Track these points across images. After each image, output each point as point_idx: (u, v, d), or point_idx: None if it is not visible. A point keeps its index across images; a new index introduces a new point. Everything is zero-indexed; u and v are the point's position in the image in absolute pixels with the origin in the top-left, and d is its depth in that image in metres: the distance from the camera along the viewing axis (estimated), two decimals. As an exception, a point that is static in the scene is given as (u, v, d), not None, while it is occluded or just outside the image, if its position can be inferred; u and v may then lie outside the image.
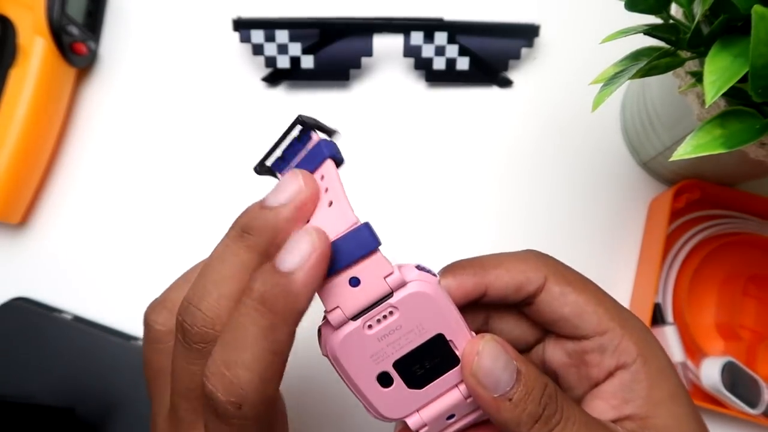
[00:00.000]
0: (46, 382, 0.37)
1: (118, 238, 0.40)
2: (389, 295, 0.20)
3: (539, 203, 0.40)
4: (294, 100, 0.42)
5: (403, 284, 0.20)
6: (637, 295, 0.38)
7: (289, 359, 0.20)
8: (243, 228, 0.21)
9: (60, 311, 0.38)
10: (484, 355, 0.21)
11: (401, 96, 0.42)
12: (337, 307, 0.20)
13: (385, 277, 0.20)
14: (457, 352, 0.21)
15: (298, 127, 0.23)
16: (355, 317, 0.20)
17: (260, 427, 0.20)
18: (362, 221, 0.20)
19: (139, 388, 0.36)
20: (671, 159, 0.24)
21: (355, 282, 0.20)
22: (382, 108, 0.42)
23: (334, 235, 0.20)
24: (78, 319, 0.38)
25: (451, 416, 0.22)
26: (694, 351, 0.36)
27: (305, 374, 0.37)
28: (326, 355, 0.21)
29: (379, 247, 0.20)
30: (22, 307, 0.38)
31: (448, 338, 0.21)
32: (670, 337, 0.35)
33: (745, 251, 0.37)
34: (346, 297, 0.20)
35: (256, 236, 0.21)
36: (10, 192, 0.38)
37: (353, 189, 0.42)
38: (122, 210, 0.40)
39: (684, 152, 0.23)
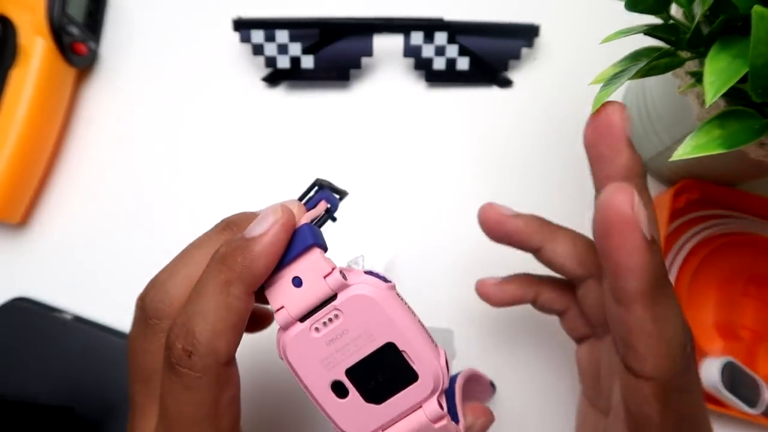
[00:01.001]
0: (46, 381, 0.37)
1: (118, 238, 0.40)
2: (334, 297, 0.20)
3: (539, 203, 0.40)
4: (294, 101, 0.42)
5: (345, 287, 0.20)
6: (637, 295, 0.38)
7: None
8: (227, 222, 0.23)
9: (60, 311, 0.38)
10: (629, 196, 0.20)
11: (401, 96, 0.42)
12: (282, 307, 0.21)
13: (324, 277, 0.20)
14: (414, 367, 0.20)
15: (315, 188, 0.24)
16: (303, 319, 0.21)
17: (207, 384, 0.20)
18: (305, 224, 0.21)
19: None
20: (671, 159, 0.24)
21: (298, 282, 0.20)
22: (382, 108, 0.42)
23: None
24: (78, 319, 0.38)
25: None
26: (694, 351, 0.36)
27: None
28: (282, 359, 0.21)
29: (319, 249, 0.21)
30: (23, 307, 0.38)
31: (400, 348, 0.20)
32: (669, 337, 0.35)
33: (745, 251, 0.37)
34: (290, 297, 0.21)
35: (237, 230, 0.22)
36: (10, 192, 0.38)
37: (353, 189, 0.42)
38: (122, 210, 0.40)
39: (683, 152, 0.23)
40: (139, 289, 0.40)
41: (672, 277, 0.36)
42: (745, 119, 0.23)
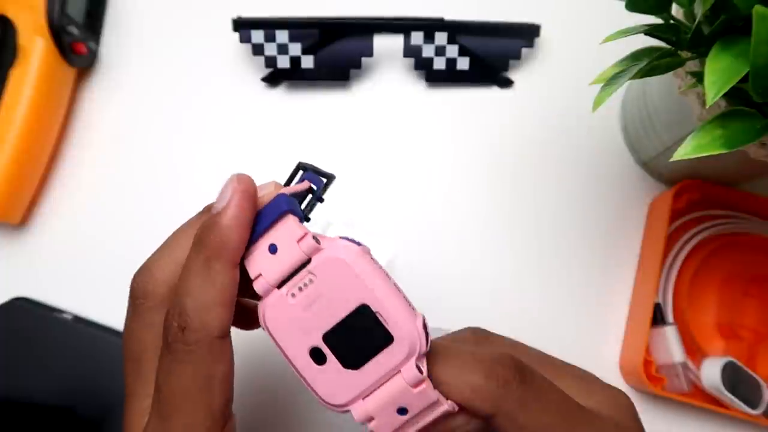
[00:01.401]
0: (46, 381, 0.36)
1: (118, 238, 0.40)
2: (308, 261, 0.21)
3: (539, 203, 0.40)
4: (294, 101, 0.42)
5: (318, 250, 0.21)
6: (638, 295, 0.38)
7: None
8: (207, 206, 0.24)
9: (60, 311, 0.38)
10: None
11: (401, 96, 0.42)
12: (260, 274, 0.21)
13: (297, 242, 0.21)
14: (389, 328, 0.20)
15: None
16: (280, 286, 0.21)
17: (200, 357, 0.21)
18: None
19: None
20: (672, 159, 0.24)
21: (273, 249, 0.21)
22: (382, 108, 0.42)
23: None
24: (78, 319, 0.38)
25: (404, 411, 0.21)
26: (695, 351, 0.36)
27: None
28: (263, 328, 0.22)
29: (293, 215, 0.21)
30: (23, 307, 0.38)
31: (374, 310, 0.20)
32: (670, 337, 0.35)
33: (745, 251, 0.37)
34: (266, 264, 0.21)
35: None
36: (10, 192, 0.38)
37: (353, 189, 0.42)
38: (122, 210, 0.40)
39: (684, 152, 0.23)
40: (139, 289, 0.40)
41: (673, 278, 0.36)
42: (746, 119, 0.23)
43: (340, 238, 0.21)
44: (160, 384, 0.21)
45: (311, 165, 0.24)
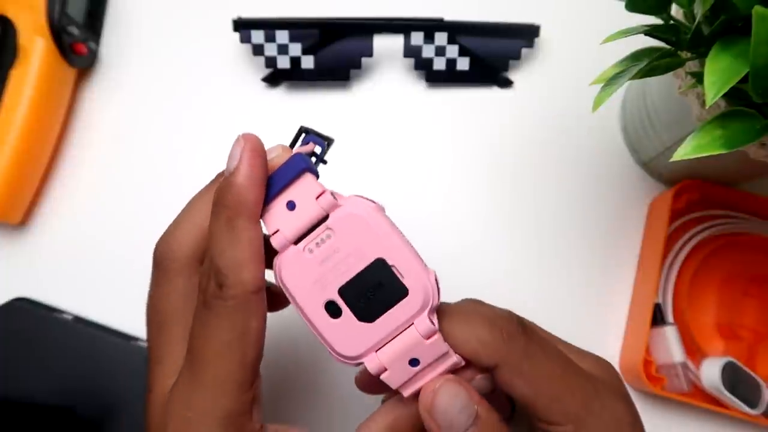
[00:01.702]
0: (46, 382, 0.36)
1: (118, 238, 0.40)
2: (326, 218, 0.21)
3: (539, 203, 0.40)
4: (294, 101, 0.42)
5: (336, 206, 0.21)
6: (638, 295, 0.38)
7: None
8: (220, 173, 0.24)
9: (60, 311, 0.38)
10: (440, 393, 0.21)
11: (401, 96, 0.42)
12: (278, 230, 0.22)
13: (316, 198, 0.21)
14: (404, 281, 0.21)
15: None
16: (297, 242, 0.22)
17: (237, 311, 0.21)
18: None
19: (139, 389, 0.36)
20: (672, 159, 0.24)
21: (291, 206, 0.22)
22: (382, 108, 0.42)
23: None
24: (78, 320, 0.38)
25: (416, 362, 0.22)
26: (695, 351, 0.36)
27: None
28: (278, 284, 0.22)
29: (311, 173, 0.22)
30: (23, 308, 0.38)
31: (390, 263, 0.21)
32: (670, 337, 0.35)
33: (745, 251, 0.37)
34: (284, 220, 0.22)
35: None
36: (10, 192, 0.38)
37: (353, 189, 0.42)
38: (123, 210, 0.40)
39: (684, 153, 0.23)
40: (140, 289, 0.40)
41: (672, 278, 0.36)
42: (746, 119, 0.23)
43: (356, 196, 0.22)
44: (194, 340, 0.22)
45: (312, 129, 0.25)
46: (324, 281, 0.22)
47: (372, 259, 0.21)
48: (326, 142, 0.24)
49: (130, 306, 0.39)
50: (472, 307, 0.23)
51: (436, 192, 0.40)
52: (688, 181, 0.36)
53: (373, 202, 0.22)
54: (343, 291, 0.22)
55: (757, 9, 0.20)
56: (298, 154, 0.22)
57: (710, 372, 0.34)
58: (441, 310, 0.22)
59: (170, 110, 0.42)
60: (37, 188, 0.40)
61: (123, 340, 0.37)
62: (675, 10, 0.26)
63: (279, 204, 0.22)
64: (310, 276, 0.22)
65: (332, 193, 0.22)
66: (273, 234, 0.22)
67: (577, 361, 0.23)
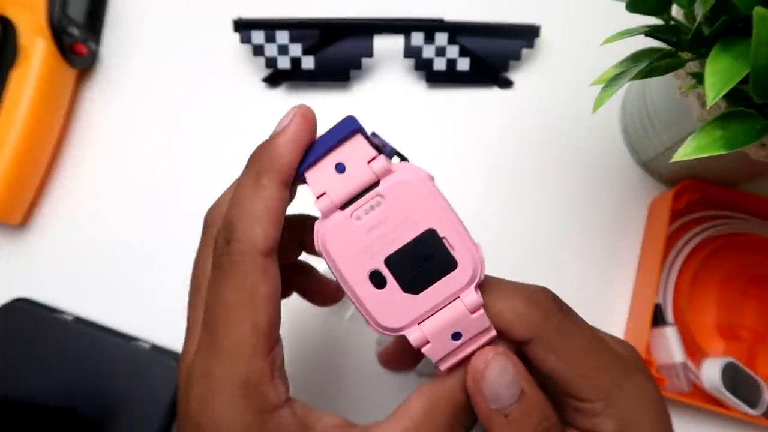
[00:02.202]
0: (47, 382, 0.36)
1: (118, 238, 0.40)
2: (376, 184, 0.21)
3: (539, 204, 0.40)
4: (294, 101, 0.42)
5: (389, 172, 0.21)
6: (638, 295, 0.38)
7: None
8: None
9: (60, 312, 0.38)
10: (491, 366, 0.21)
11: (402, 97, 0.42)
12: (324, 193, 0.21)
13: (368, 162, 0.20)
14: (454, 254, 0.21)
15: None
16: (343, 207, 0.21)
17: (245, 270, 0.21)
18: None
19: (139, 388, 0.36)
20: (672, 160, 0.24)
21: (341, 168, 0.21)
22: (382, 109, 0.42)
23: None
24: (78, 320, 0.38)
25: (458, 336, 0.21)
26: (695, 351, 0.36)
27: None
28: (319, 251, 0.21)
29: (361, 133, 0.21)
30: (23, 308, 0.38)
31: (440, 235, 0.21)
32: (670, 337, 0.35)
33: (745, 252, 0.37)
34: (332, 183, 0.21)
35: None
36: (11, 192, 0.38)
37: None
38: (123, 210, 0.40)
39: (684, 153, 0.23)
40: (141, 290, 0.40)
41: (673, 278, 0.36)
42: (746, 120, 0.23)
43: (407, 162, 0.21)
44: (208, 298, 0.21)
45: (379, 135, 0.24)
46: (371, 250, 0.21)
47: (423, 230, 0.20)
48: (392, 150, 0.23)
49: (130, 306, 0.39)
50: (508, 281, 0.23)
51: (436, 192, 0.40)
52: (688, 182, 0.36)
53: (425, 171, 0.21)
54: (389, 261, 0.21)
55: (758, 10, 0.20)
56: (351, 116, 0.21)
57: (710, 372, 0.34)
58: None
59: (170, 110, 0.42)
60: (38, 188, 0.40)
61: (123, 340, 0.37)
62: (675, 11, 0.26)
63: (327, 164, 0.21)
64: (357, 244, 0.21)
65: (386, 158, 0.21)
66: (319, 197, 0.21)
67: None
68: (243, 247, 0.20)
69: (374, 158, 0.20)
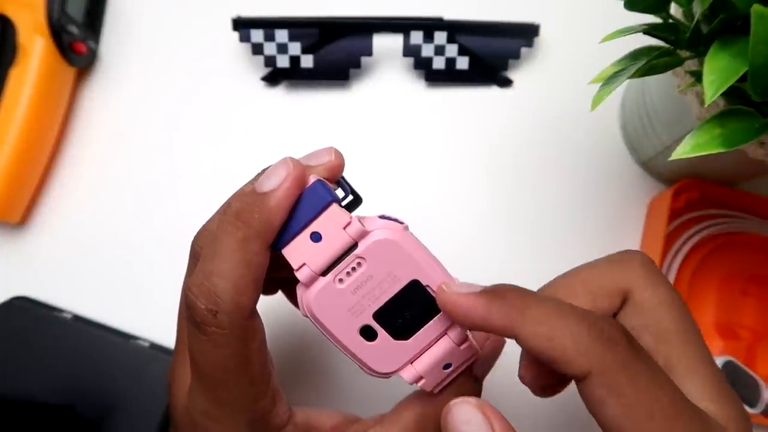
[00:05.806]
0: (46, 381, 0.36)
1: (117, 237, 0.40)
2: (354, 246, 0.21)
3: (538, 202, 0.40)
4: (294, 100, 0.42)
5: (365, 234, 0.21)
6: (637, 294, 0.38)
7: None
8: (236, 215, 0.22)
9: (60, 311, 0.38)
10: (453, 412, 0.19)
11: (401, 95, 0.42)
12: (304, 264, 0.21)
13: (344, 228, 0.21)
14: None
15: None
16: (325, 273, 0.21)
17: (235, 339, 0.20)
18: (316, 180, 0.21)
19: (138, 386, 0.36)
20: (670, 158, 0.24)
21: (316, 237, 0.21)
22: (381, 107, 0.42)
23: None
24: (78, 319, 0.38)
25: (448, 366, 0.22)
26: (694, 350, 0.36)
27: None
28: (306, 316, 0.22)
29: (334, 202, 0.21)
30: (22, 307, 0.38)
31: (424, 284, 0.21)
32: (669, 336, 0.35)
33: (744, 251, 0.37)
34: (310, 253, 0.21)
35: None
36: (10, 191, 0.38)
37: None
38: (122, 209, 0.40)
39: (683, 152, 0.23)
40: (140, 289, 0.40)
41: (672, 277, 0.36)
42: (745, 118, 0.23)
43: (379, 217, 0.22)
44: (199, 362, 0.21)
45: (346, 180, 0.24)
46: (358, 308, 0.21)
47: (406, 282, 0.21)
48: (353, 196, 0.23)
49: (130, 305, 0.39)
50: (565, 303, 0.19)
51: (435, 191, 0.40)
52: (687, 181, 0.36)
53: (396, 221, 0.22)
54: (377, 315, 0.21)
55: (756, 8, 0.20)
56: (317, 183, 0.21)
57: (709, 371, 0.34)
58: (530, 296, 0.19)
59: (170, 109, 0.42)
60: (37, 187, 0.40)
61: (123, 339, 0.37)
62: (674, 9, 0.26)
63: (303, 237, 0.21)
64: (343, 305, 0.21)
65: (359, 219, 0.21)
66: (299, 268, 0.21)
67: (702, 401, 0.19)
68: (232, 319, 0.20)
69: (349, 224, 0.21)
